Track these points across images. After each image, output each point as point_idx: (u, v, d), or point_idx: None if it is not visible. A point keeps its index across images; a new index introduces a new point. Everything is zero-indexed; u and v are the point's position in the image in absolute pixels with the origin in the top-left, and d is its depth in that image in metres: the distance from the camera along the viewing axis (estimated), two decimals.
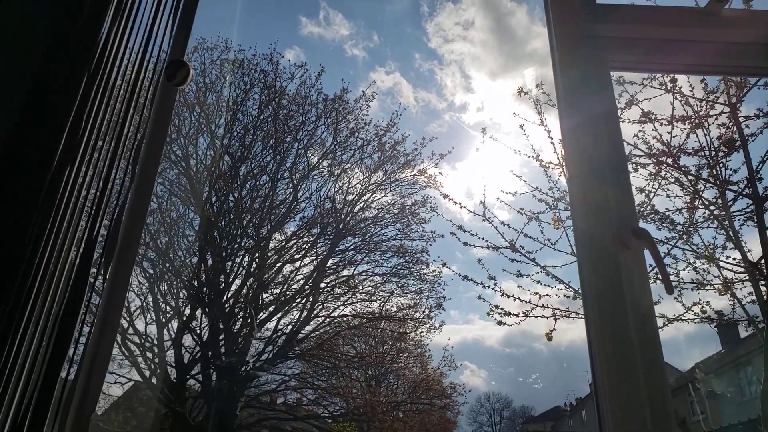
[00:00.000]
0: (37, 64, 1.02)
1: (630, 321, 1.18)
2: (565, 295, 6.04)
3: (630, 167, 5.41)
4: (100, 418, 11.53)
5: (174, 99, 1.23)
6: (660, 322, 5.34)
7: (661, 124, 5.22)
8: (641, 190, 5.30)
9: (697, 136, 5.12)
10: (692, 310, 5.14)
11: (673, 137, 5.11)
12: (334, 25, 21.21)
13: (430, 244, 14.14)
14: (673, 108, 5.08)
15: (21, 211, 0.96)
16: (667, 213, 5.31)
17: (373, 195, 14.31)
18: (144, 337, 12.05)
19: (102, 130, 1.06)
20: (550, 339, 5.54)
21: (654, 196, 5.39)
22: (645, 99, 5.18)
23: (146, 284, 12.05)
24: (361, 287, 14.14)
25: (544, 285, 6.07)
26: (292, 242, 13.66)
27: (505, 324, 6.03)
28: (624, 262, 1.22)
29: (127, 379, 12.10)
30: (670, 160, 5.30)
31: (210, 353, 12.14)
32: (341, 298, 13.92)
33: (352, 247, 14.24)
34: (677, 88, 5.03)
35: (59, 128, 1.01)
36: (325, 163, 13.86)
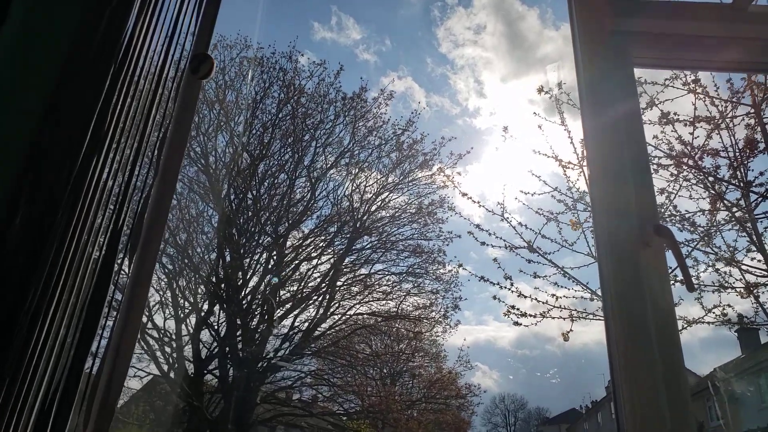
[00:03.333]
0: (63, 58, 1.04)
1: (650, 320, 1.16)
2: (582, 297, 5.98)
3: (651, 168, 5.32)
4: (119, 411, 11.74)
5: (198, 92, 1.25)
6: (679, 324, 5.24)
7: (684, 125, 5.13)
8: (662, 191, 5.22)
9: (720, 137, 5.02)
10: (713, 312, 5.05)
11: (695, 138, 5.03)
12: (346, 29, 21.31)
13: (447, 245, 14.11)
14: (695, 108, 4.99)
15: (47, 205, 0.98)
16: (687, 214, 5.22)
17: (390, 194, 14.33)
18: (163, 331, 12.24)
19: (127, 123, 1.08)
20: (566, 339, 5.50)
21: (675, 197, 5.31)
22: (667, 100, 5.10)
23: (165, 280, 12.23)
24: (377, 286, 14.18)
25: (561, 286, 6.03)
26: (310, 240, 13.75)
27: (521, 324, 5.99)
28: (644, 260, 1.20)
29: (146, 372, 12.31)
30: (691, 162, 5.21)
31: (227, 348, 12.28)
32: (357, 297, 13.97)
33: (368, 246, 14.28)
34: (701, 88, 4.94)
35: (85, 122, 1.03)
36: (342, 162, 13.92)
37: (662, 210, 5.28)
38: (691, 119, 5.01)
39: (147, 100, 1.08)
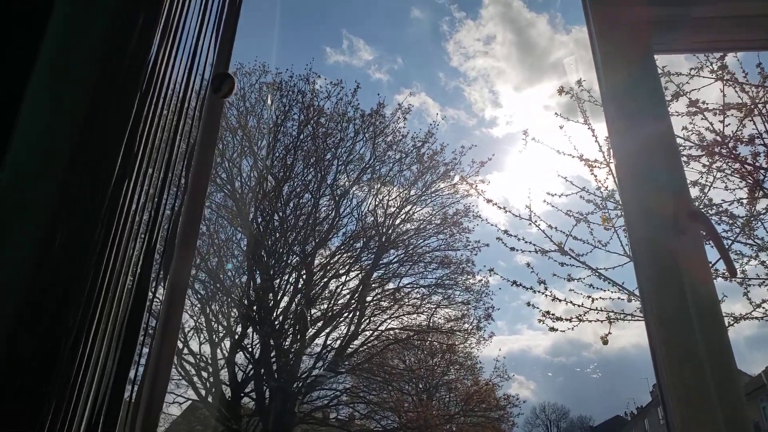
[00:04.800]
0: (90, 86, 1.07)
1: (692, 309, 1.12)
2: (618, 298, 5.81)
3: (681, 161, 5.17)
4: None
5: (221, 111, 1.28)
6: (725, 321, 5.02)
7: (714, 114, 4.98)
8: (694, 184, 5.06)
9: (754, 123, 4.86)
10: (763, 307, 4.83)
11: (726, 126, 4.87)
12: (357, 51, 21.69)
13: (475, 254, 13.97)
14: (724, 96, 4.85)
15: (84, 227, 1.00)
16: (724, 205, 5.04)
17: (414, 207, 14.31)
18: (198, 356, 12.38)
19: (155, 144, 1.11)
20: (605, 342, 5.34)
21: (709, 189, 5.13)
22: (693, 89, 4.96)
23: (198, 305, 12.42)
24: (407, 300, 14.09)
25: (596, 288, 5.87)
26: (337, 257, 13.80)
27: (557, 330, 5.85)
28: (682, 248, 1.16)
29: (184, 398, 12.45)
30: (724, 151, 5.04)
31: (263, 370, 12.34)
32: (388, 311, 13.91)
33: (395, 260, 14.24)
34: (728, 74, 4.80)
35: (117, 144, 1.06)
36: (364, 178, 14.00)
37: (697, 203, 5.12)
38: (721, 107, 4.86)
39: (172, 121, 1.11)
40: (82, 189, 1.04)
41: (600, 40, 1.52)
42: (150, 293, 1.09)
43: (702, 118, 4.88)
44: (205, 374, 12.35)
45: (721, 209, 5.09)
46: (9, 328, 0.87)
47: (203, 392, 12.28)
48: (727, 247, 4.97)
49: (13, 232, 0.93)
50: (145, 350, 1.23)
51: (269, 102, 13.24)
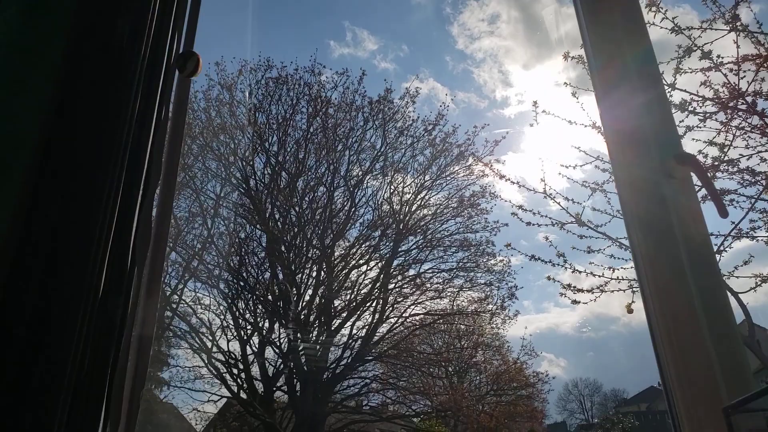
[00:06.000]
0: (55, 77, 1.06)
1: (684, 257, 1.06)
2: None
3: (696, 120, 5.02)
4: None
5: (188, 90, 1.27)
6: (752, 282, 4.89)
7: (730, 70, 4.79)
8: (712, 143, 4.88)
9: None
10: None
11: (741, 78, 4.67)
12: (362, 42, 21.57)
13: (495, 234, 13.84)
14: (738, 47, 4.65)
15: (61, 214, 1.00)
16: (742, 161, 4.84)
17: (429, 192, 14.24)
18: (227, 354, 12.60)
19: (124, 126, 1.10)
20: (630, 311, 5.23)
21: (729, 149, 4.95)
22: (706, 43, 4.77)
23: (224, 304, 12.62)
24: (429, 285, 14.07)
25: (618, 258, 5.75)
26: (356, 248, 13.83)
27: (579, 302, 5.76)
28: (671, 193, 1.10)
29: (219, 396, 12.71)
30: (743, 105, 4.85)
31: (292, 363, 12.51)
32: (411, 298, 13.92)
33: (414, 246, 14.21)
34: (743, 26, 4.60)
35: (84, 131, 1.05)
36: (377, 166, 13.96)
37: (717, 163, 4.95)
38: (736, 60, 4.66)
39: (137, 101, 1.10)
40: (54, 174, 1.04)
41: None
42: (125, 278, 1.08)
43: (715, 70, 4.69)
44: (235, 371, 12.58)
45: (743, 167, 4.92)
46: None
47: (235, 389, 12.52)
48: (751, 205, 4.81)
49: None
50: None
51: (246, 96, 13.17)
